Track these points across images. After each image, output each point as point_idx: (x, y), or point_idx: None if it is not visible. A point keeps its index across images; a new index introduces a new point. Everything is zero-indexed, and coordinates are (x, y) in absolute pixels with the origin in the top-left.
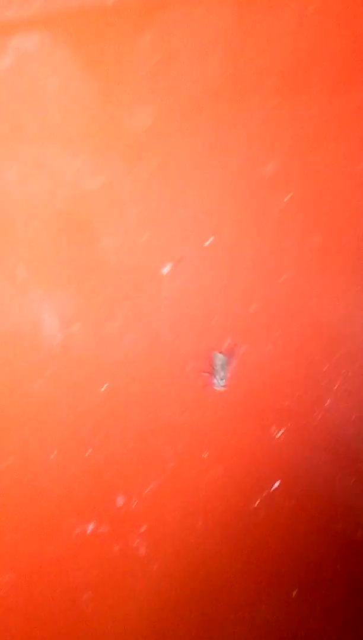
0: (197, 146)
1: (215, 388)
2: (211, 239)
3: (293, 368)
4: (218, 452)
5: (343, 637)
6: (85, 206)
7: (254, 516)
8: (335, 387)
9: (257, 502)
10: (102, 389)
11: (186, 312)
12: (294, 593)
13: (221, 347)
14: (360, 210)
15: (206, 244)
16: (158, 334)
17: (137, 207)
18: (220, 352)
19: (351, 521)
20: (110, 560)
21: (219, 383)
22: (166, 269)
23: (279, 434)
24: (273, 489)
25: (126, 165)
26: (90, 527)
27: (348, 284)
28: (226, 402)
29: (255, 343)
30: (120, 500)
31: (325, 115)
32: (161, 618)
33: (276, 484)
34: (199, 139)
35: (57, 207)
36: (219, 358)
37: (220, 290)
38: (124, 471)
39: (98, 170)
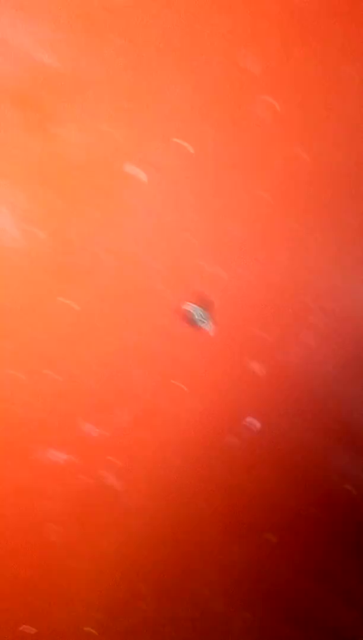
0: (174, 31)
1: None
2: (188, 146)
3: (273, 300)
4: (195, 385)
5: (315, 581)
6: (44, 86)
7: (231, 454)
8: (316, 323)
9: (236, 440)
10: (65, 301)
11: (161, 225)
12: (269, 536)
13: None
14: (346, 123)
15: (186, 145)
16: (128, 247)
17: (105, 94)
18: (195, 304)
19: (328, 464)
20: (79, 492)
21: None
22: (140, 174)
23: (258, 370)
24: (253, 425)
25: (95, 41)
26: (50, 453)
27: (330, 211)
28: (204, 334)
29: (234, 271)
30: (87, 428)
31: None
32: (134, 555)
33: (256, 421)
34: (178, 21)
35: (11, 84)
36: (197, 311)
37: (200, 204)
38: (90, 397)
39: (61, 45)
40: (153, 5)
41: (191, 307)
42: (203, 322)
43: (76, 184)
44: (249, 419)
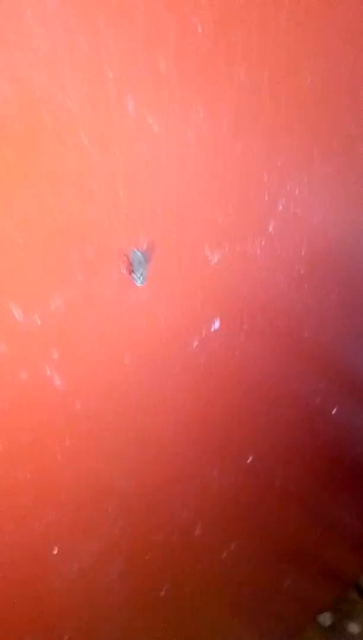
0: None
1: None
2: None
3: (235, 181)
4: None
5: (296, 504)
6: None
7: (194, 358)
8: (280, 209)
9: (196, 343)
10: None
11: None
12: (249, 458)
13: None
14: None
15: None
16: None
17: None
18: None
19: (306, 372)
20: (18, 389)
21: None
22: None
23: (215, 260)
24: (213, 329)
25: None
26: None
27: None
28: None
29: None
30: (18, 314)
31: None
32: (94, 469)
33: (216, 323)
34: None
35: None
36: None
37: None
38: (16, 277)
39: None
40: None
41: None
42: (138, 273)
43: None
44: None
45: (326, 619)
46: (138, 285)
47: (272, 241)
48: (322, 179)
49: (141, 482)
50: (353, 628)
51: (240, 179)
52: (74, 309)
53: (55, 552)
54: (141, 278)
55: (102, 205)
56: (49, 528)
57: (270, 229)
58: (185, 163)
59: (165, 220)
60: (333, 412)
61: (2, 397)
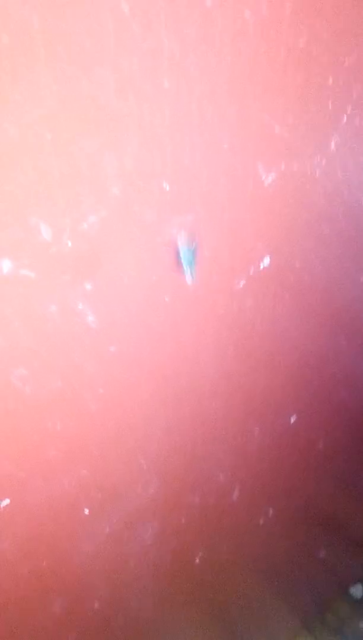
0: None
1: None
2: None
3: (296, 81)
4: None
5: (336, 470)
6: None
7: (239, 300)
8: (344, 121)
9: (242, 282)
10: None
11: None
12: (291, 418)
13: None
14: None
15: None
16: None
17: None
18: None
19: (360, 325)
20: (46, 324)
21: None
22: None
23: (269, 181)
24: (262, 266)
25: None
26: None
27: None
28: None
29: None
30: (46, 233)
31: None
32: (120, 419)
33: (267, 260)
34: None
35: None
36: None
37: None
38: (44, 188)
39: None
40: None
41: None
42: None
43: None
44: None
45: (358, 590)
46: (189, 283)
47: (333, 161)
48: None
49: (177, 438)
50: None
51: (300, 79)
52: (109, 230)
53: (86, 512)
54: (191, 276)
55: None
56: (79, 486)
57: (332, 145)
58: (241, 50)
59: (213, 126)
60: None
61: (29, 332)
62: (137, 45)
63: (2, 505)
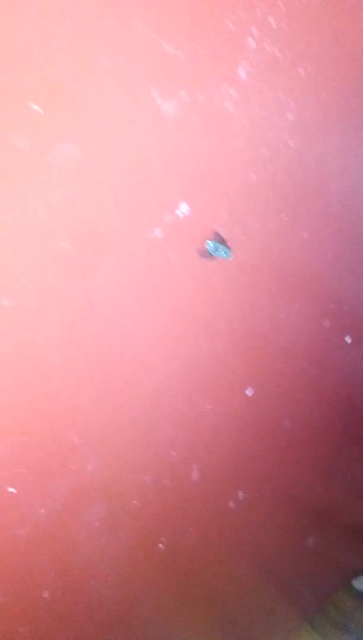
0: None
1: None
2: None
3: None
4: None
5: (313, 451)
6: None
7: (158, 252)
8: (253, 47)
9: (158, 232)
10: None
11: None
12: (249, 392)
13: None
14: None
15: None
16: None
17: None
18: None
19: (310, 287)
20: None
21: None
22: None
23: (169, 111)
24: (181, 214)
25: None
26: None
27: None
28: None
29: None
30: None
31: None
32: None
33: (184, 208)
34: None
35: None
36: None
37: None
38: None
39: None
40: None
41: (209, 244)
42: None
43: None
44: None
45: (360, 583)
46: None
47: (247, 94)
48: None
49: (111, 411)
50: None
51: None
52: None
53: (11, 490)
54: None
55: None
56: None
57: (242, 75)
58: None
59: (86, 39)
60: (348, 341)
61: None
62: None
63: None
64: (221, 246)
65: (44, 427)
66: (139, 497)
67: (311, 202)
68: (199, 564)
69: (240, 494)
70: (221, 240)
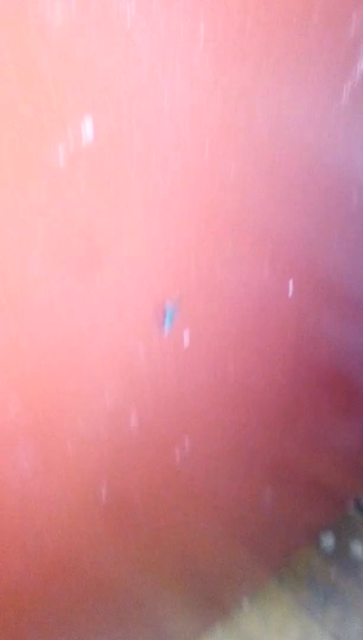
0: None
1: None
2: None
3: None
4: None
5: (266, 399)
6: None
7: (63, 179)
8: None
9: (62, 156)
10: None
11: None
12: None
13: None
14: None
15: None
16: None
17: None
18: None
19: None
20: None
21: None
22: None
23: None
24: (84, 140)
25: None
26: None
27: None
28: None
29: None
30: None
31: None
32: None
33: (88, 127)
34: None
35: None
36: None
37: None
38: None
39: None
40: None
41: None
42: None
43: None
44: None
45: (328, 539)
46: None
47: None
48: None
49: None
50: (357, 548)
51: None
52: None
53: None
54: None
55: None
56: None
57: None
58: None
59: None
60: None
61: None
62: None
63: None
64: (171, 317)
65: None
66: (72, 442)
67: (237, 127)
68: (147, 518)
69: (187, 442)
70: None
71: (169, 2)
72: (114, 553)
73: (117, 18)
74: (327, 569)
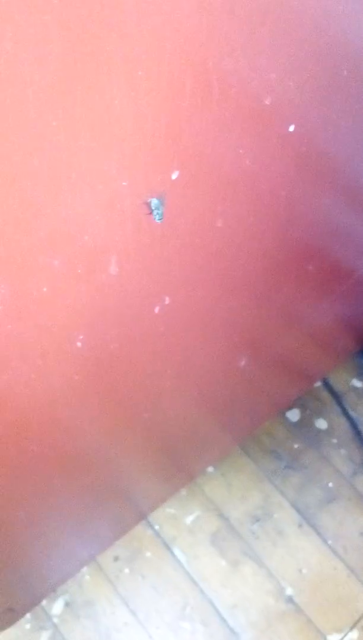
0: None
1: None
2: None
3: None
4: None
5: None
6: None
7: None
8: None
9: None
10: None
11: None
12: None
13: None
14: None
15: None
16: None
17: None
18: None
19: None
20: None
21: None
22: None
23: None
24: None
25: None
26: None
27: None
28: None
29: None
30: None
31: None
32: None
33: None
34: None
35: None
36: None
37: None
38: None
39: None
40: None
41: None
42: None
43: None
44: None
45: (293, 414)
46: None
47: None
48: None
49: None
50: (321, 424)
51: None
52: None
53: None
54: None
55: None
56: None
57: None
58: None
59: None
60: (291, 129)
61: None
62: None
63: None
64: (160, 207)
65: None
66: (47, 281)
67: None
68: (120, 370)
69: (166, 299)
70: (162, 203)
71: None
72: (87, 406)
73: None
74: (291, 441)
